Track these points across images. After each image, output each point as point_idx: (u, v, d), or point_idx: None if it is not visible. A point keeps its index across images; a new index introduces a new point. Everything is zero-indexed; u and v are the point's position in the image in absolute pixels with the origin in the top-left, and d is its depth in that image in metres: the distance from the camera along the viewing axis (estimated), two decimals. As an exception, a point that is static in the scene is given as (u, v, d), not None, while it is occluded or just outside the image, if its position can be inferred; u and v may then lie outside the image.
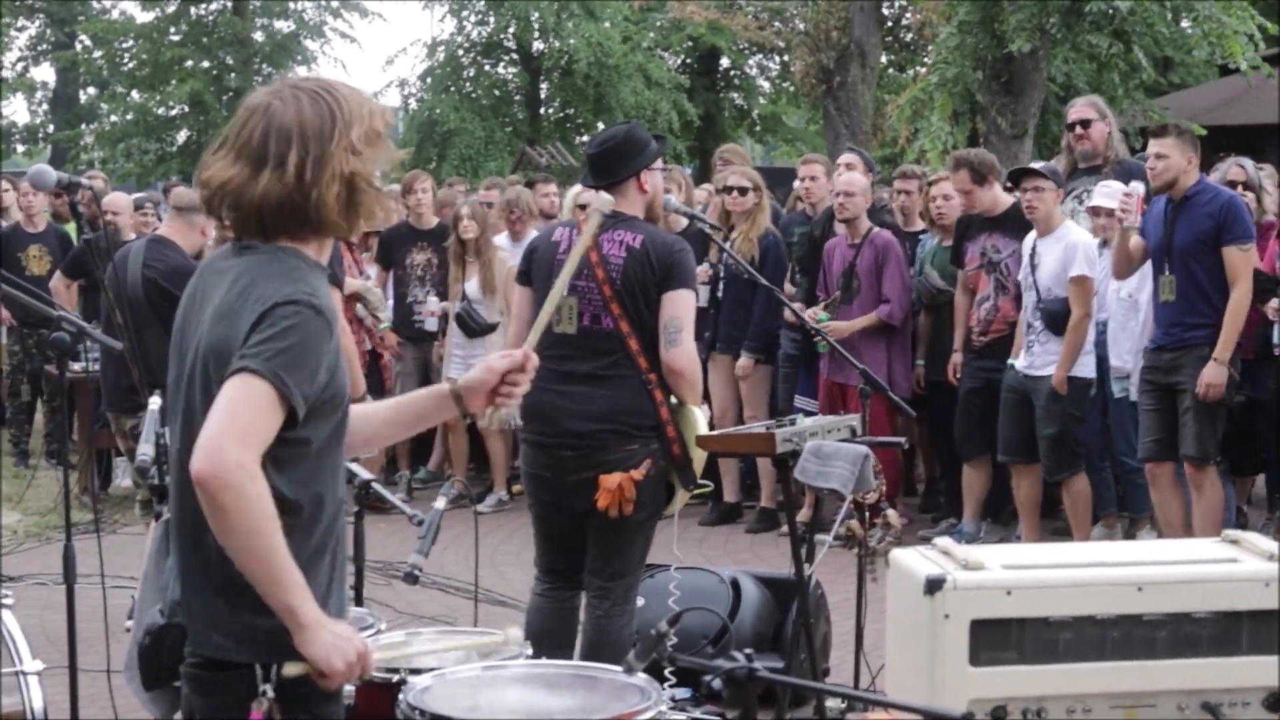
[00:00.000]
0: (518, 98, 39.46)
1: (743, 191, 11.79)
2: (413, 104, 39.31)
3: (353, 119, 3.93)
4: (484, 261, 12.55)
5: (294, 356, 3.72)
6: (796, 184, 13.13)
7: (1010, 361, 10.66)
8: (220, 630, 3.86)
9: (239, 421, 3.67)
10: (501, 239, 13.28)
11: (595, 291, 6.88)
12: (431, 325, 13.03)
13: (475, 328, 12.56)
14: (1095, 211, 10.65)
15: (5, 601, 5.85)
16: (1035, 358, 10.43)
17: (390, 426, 4.42)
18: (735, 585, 8.09)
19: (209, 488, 3.66)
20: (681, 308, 6.84)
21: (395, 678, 4.89)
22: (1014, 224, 10.99)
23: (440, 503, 5.02)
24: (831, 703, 7.12)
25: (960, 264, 11.38)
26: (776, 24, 29.96)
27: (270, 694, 3.82)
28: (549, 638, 6.84)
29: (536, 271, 7.15)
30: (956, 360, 11.37)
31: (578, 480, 6.82)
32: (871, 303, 11.39)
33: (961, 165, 11.24)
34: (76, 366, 11.43)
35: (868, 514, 6.88)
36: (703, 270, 11.49)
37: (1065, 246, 10.31)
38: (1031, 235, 10.54)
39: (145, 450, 5.77)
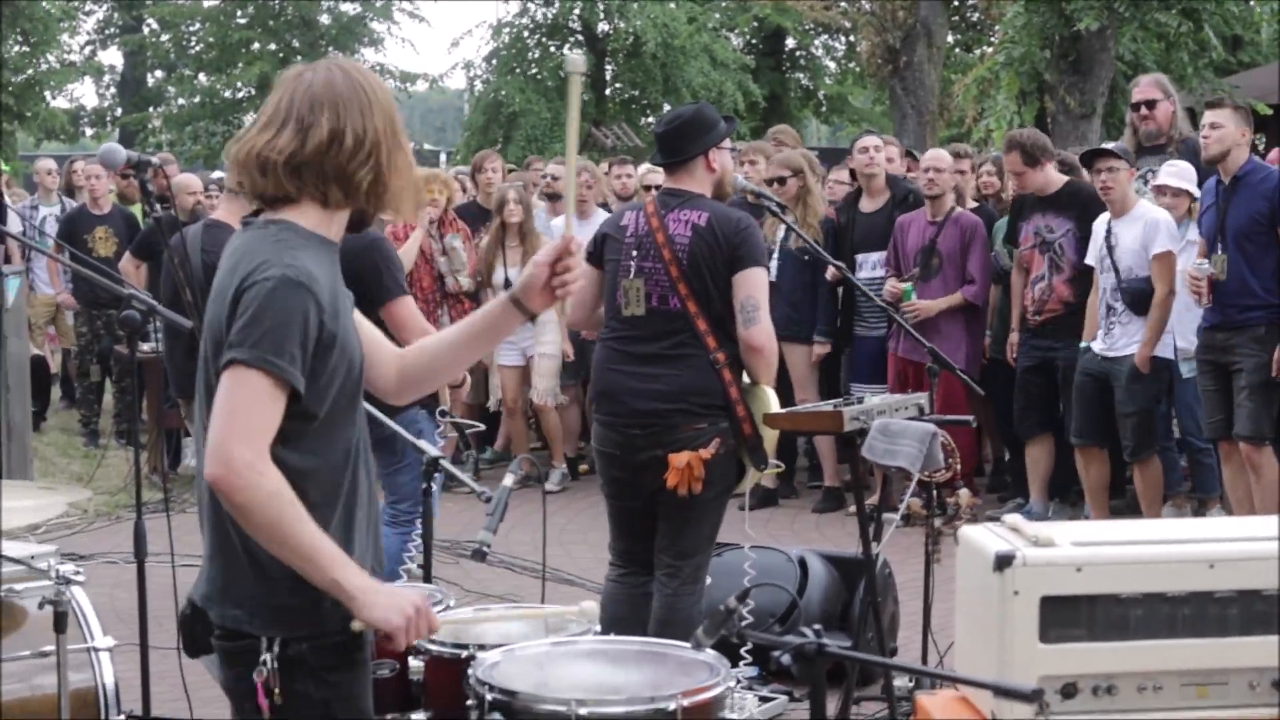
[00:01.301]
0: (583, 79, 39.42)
1: (781, 181, 11.73)
2: (478, 86, 39.36)
3: (388, 105, 3.99)
4: (527, 248, 12.53)
5: (277, 335, 3.72)
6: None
7: (1085, 344, 10.61)
8: (233, 602, 3.92)
9: (239, 419, 3.71)
10: (555, 221, 13.25)
11: (662, 272, 6.89)
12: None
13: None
14: (1161, 190, 10.59)
15: (77, 579, 5.87)
16: (1116, 339, 10.40)
17: (464, 350, 4.34)
18: (803, 564, 8.09)
19: (223, 492, 3.72)
20: (755, 285, 6.83)
21: (464, 653, 4.91)
22: (1067, 204, 11.00)
23: (508, 480, 5.02)
24: (899, 681, 7.11)
25: (1016, 243, 11.33)
26: (842, 4, 29.81)
27: (270, 664, 3.87)
28: (623, 623, 6.85)
29: (607, 256, 7.15)
30: (1013, 340, 11.35)
31: (647, 459, 6.83)
32: (952, 281, 11.34)
33: (1014, 147, 11.18)
34: (146, 347, 11.49)
35: (938, 493, 6.85)
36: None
37: (1145, 225, 10.27)
38: (1104, 216, 10.49)
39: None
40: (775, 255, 11.79)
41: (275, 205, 3.96)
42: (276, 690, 3.88)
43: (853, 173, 12.47)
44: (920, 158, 12.30)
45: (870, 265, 11.77)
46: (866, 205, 12.01)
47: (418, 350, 4.32)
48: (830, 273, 11.48)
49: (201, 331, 4.07)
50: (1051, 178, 11.17)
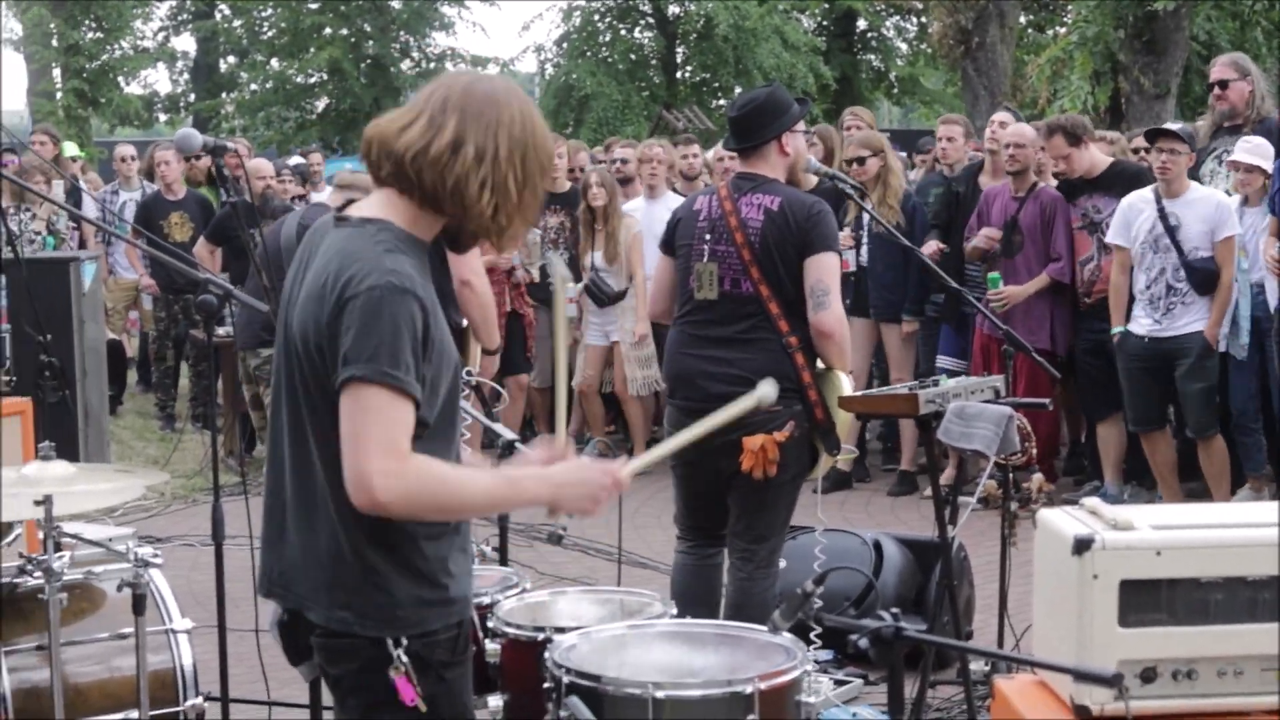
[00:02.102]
0: (654, 62, 39.41)
1: (860, 161, 11.68)
2: (549, 69, 39.39)
3: (523, 136, 3.92)
4: (609, 231, 12.53)
5: (391, 347, 3.69)
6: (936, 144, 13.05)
7: (1124, 329, 10.53)
8: (338, 605, 3.90)
9: (369, 439, 3.69)
10: (637, 202, 13.25)
11: (734, 256, 6.88)
12: (571, 312, 12.99)
13: (603, 297, 12.56)
14: (1235, 166, 10.51)
15: (155, 561, 5.91)
16: (1177, 319, 10.32)
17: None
18: (878, 547, 8.08)
19: (381, 513, 3.73)
20: (826, 270, 6.81)
21: (541, 636, 4.92)
22: (1114, 183, 10.98)
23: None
24: (974, 664, 7.09)
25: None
26: (914, -16, 29.74)
27: (404, 659, 3.87)
28: (692, 595, 6.87)
29: (679, 240, 7.15)
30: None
31: (722, 443, 6.80)
32: (1035, 258, 11.27)
33: (1055, 131, 11.12)
34: (221, 331, 11.56)
35: (1013, 476, 6.82)
36: (845, 235, 11.45)
37: (1214, 207, 10.19)
38: (1145, 195, 10.42)
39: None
40: (865, 240, 11.77)
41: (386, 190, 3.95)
42: (418, 683, 3.89)
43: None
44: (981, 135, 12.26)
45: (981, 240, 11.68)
46: (986, 180, 11.94)
47: None
48: (929, 249, 11.37)
49: (277, 315, 4.06)
50: (1097, 158, 11.15)
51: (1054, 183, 11.79)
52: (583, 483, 3.92)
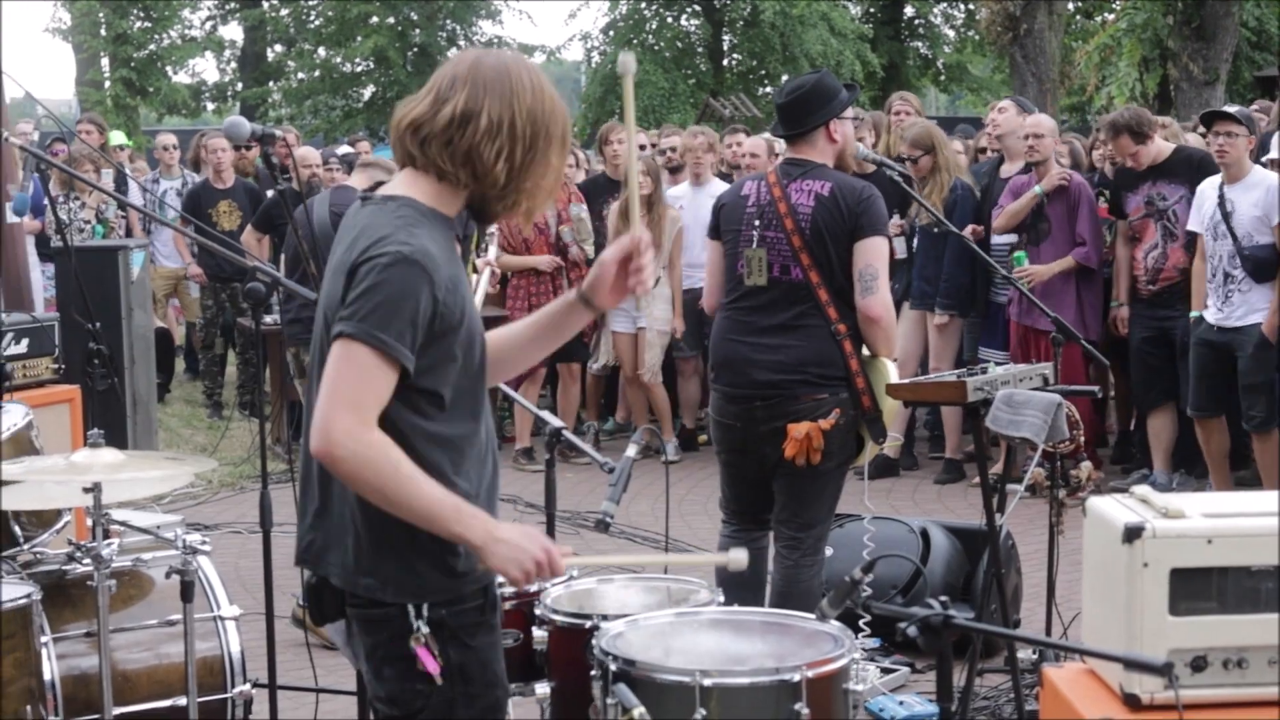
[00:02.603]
0: (700, 49, 39.37)
1: (913, 161, 11.63)
2: (595, 57, 39.36)
3: (538, 107, 3.95)
4: (653, 218, 12.50)
5: (386, 312, 3.74)
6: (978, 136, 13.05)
7: (1196, 314, 10.47)
8: (363, 573, 3.95)
9: (343, 392, 3.76)
10: (682, 188, 13.23)
11: (784, 242, 6.86)
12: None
13: None
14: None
15: (203, 549, 5.94)
16: (1235, 308, 10.24)
17: (532, 345, 4.40)
18: (925, 535, 8.06)
19: (328, 464, 3.79)
20: (875, 255, 6.79)
21: (588, 623, 4.91)
22: (1179, 170, 10.93)
23: (631, 450, 5.02)
24: (1022, 653, 7.06)
25: (1122, 214, 11.22)
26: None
27: (424, 629, 3.91)
28: (738, 579, 6.87)
29: (725, 226, 7.14)
30: (1123, 314, 11.26)
31: (767, 430, 6.81)
32: (1061, 245, 11.23)
33: (1120, 131, 11.06)
34: (269, 319, 11.60)
35: (1062, 464, 6.78)
36: (896, 223, 11.43)
37: (1265, 191, 10.10)
38: (1211, 181, 10.36)
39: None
40: (918, 231, 11.75)
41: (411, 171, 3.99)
42: (438, 651, 3.93)
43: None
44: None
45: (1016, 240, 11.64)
46: (1007, 171, 11.90)
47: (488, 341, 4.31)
48: (966, 230, 11.33)
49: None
50: (1162, 146, 11.09)
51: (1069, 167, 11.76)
52: (518, 548, 3.88)
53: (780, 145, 9.61)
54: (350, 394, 3.75)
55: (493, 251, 10.25)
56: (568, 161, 4.15)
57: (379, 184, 4.09)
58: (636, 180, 4.63)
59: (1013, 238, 11.49)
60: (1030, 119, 11.62)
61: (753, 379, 6.89)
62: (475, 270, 9.72)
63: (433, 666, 3.92)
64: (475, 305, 4.02)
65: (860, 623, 6.74)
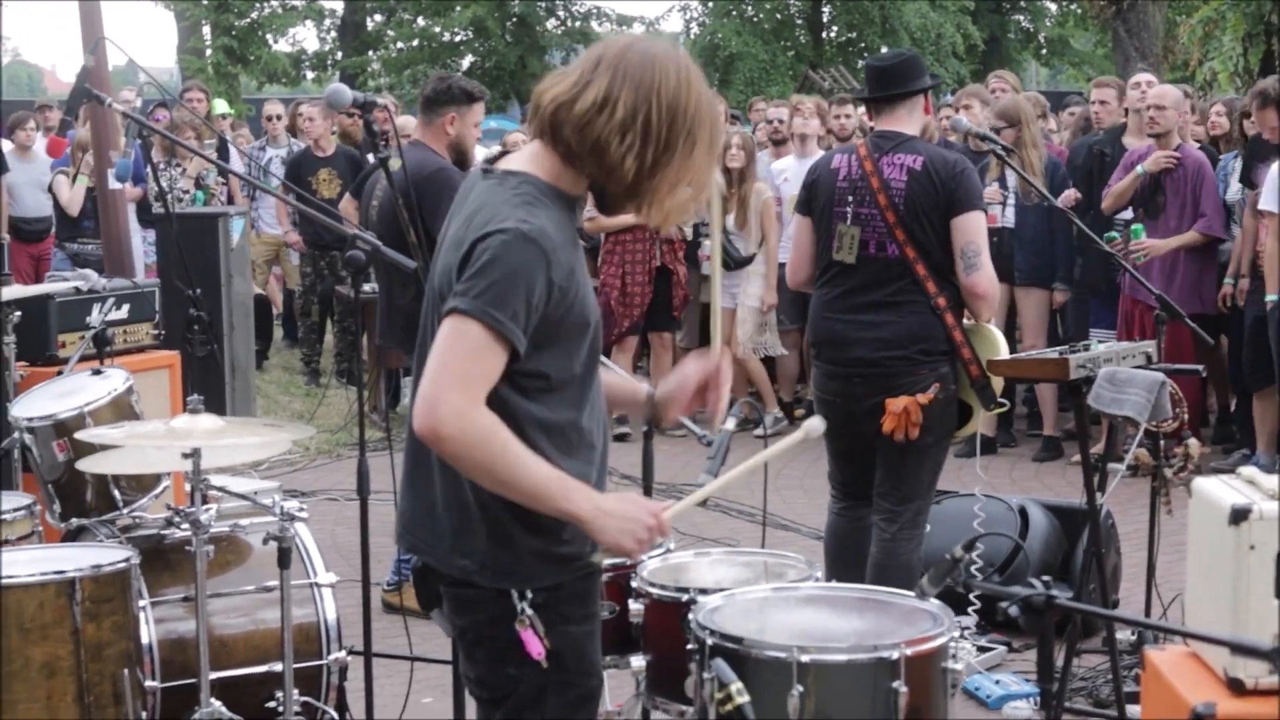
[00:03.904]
0: (800, 21, 39.24)
1: (996, 132, 11.52)
2: (694, 29, 39.29)
3: (683, 105, 3.83)
4: (741, 195, 12.46)
5: (501, 290, 3.68)
6: (1074, 109, 12.92)
7: (1273, 297, 10.31)
8: (460, 554, 3.93)
9: (452, 368, 3.70)
10: (787, 161, 13.16)
11: (879, 218, 6.82)
12: (708, 269, 12.95)
13: (731, 261, 12.47)
14: None
15: (301, 515, 5.96)
16: None
17: None
18: (1023, 513, 8.00)
19: (431, 442, 3.74)
20: (975, 230, 6.75)
21: (685, 597, 4.89)
22: None
23: (730, 423, 4.97)
24: (1121, 634, 6.99)
25: (1253, 184, 11.05)
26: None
27: (529, 611, 3.88)
28: (846, 556, 6.87)
29: (815, 199, 7.09)
30: (1243, 286, 11.09)
31: (868, 405, 6.79)
32: (1180, 219, 11.09)
33: (1269, 103, 10.84)
34: (367, 287, 11.62)
35: (1165, 443, 6.71)
36: (993, 191, 11.34)
37: None
38: None
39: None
40: (1012, 201, 11.63)
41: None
42: (543, 633, 3.90)
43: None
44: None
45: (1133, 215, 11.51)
46: (1131, 142, 11.76)
47: None
48: (1065, 196, 11.21)
49: (427, 275, 4.08)
50: None
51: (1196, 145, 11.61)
52: (627, 518, 3.86)
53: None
54: (460, 371, 3.69)
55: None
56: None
57: (502, 154, 4.05)
58: (719, 308, 4.64)
59: (1129, 213, 11.36)
60: (1154, 91, 11.48)
61: (852, 356, 6.87)
62: None
63: (537, 649, 3.89)
64: (590, 288, 3.96)
65: (971, 600, 6.70)
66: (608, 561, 4.93)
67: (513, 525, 3.85)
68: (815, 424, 4.44)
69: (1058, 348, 6.80)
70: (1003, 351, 6.85)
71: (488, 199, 3.84)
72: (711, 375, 4.22)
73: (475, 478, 3.78)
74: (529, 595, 3.88)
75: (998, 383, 6.83)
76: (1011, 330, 12.00)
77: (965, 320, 6.83)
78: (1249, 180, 11.10)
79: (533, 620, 3.88)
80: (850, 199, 6.90)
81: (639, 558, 3.93)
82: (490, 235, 3.71)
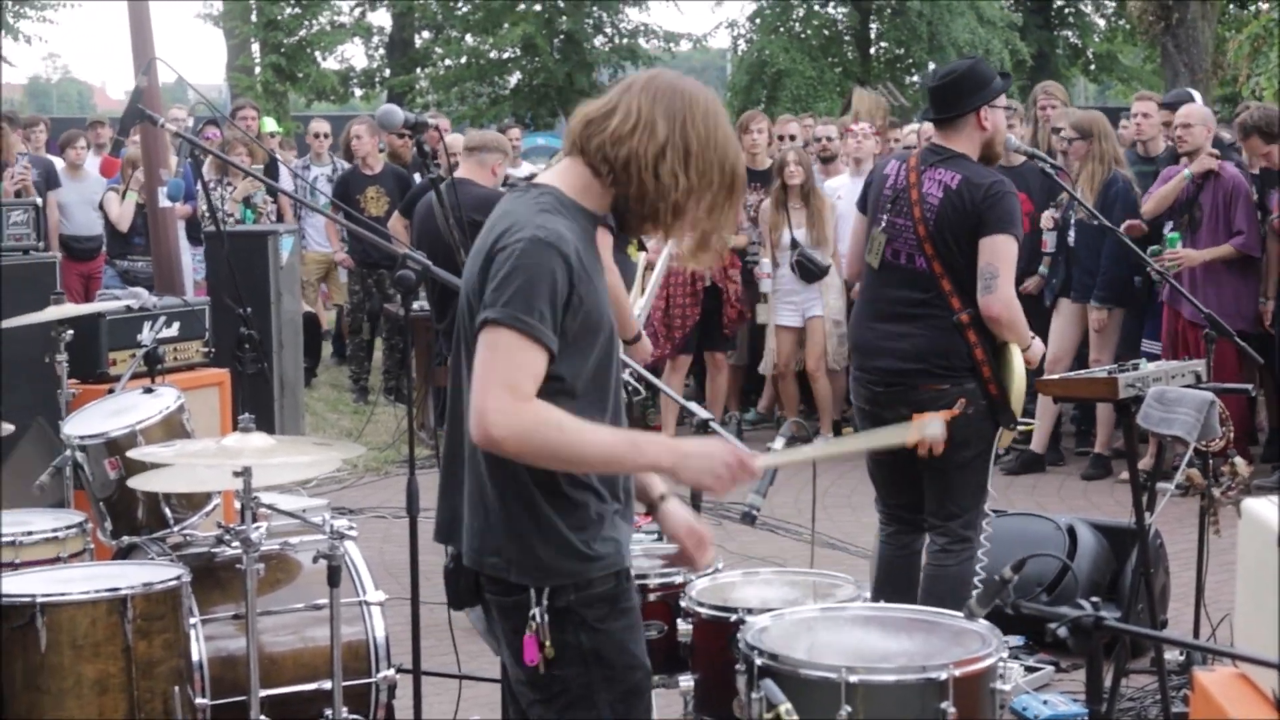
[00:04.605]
0: (847, 37, 39.18)
1: (1068, 141, 11.52)
2: (742, 45, 39.27)
3: (708, 137, 3.97)
4: (812, 210, 12.47)
5: (526, 293, 3.79)
6: (1125, 123, 12.89)
7: None
8: (491, 551, 4.00)
9: (492, 376, 3.79)
10: (841, 179, 13.17)
11: (910, 230, 6.87)
12: (766, 287, 12.96)
13: (815, 270, 12.48)
14: None
15: (350, 534, 5.98)
16: None
17: None
18: (1071, 532, 7.98)
19: (493, 449, 3.82)
20: (997, 253, 6.74)
21: (733, 617, 4.90)
22: None
23: (779, 443, 4.99)
24: (1170, 655, 6.97)
25: (1266, 211, 11.07)
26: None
27: (539, 618, 3.94)
28: (895, 584, 6.86)
29: (870, 203, 7.15)
30: (1268, 309, 11.10)
31: (894, 417, 6.78)
32: (1216, 234, 11.08)
33: (1250, 132, 11.11)
34: (416, 305, 11.67)
35: (1212, 462, 6.70)
36: (1049, 215, 11.36)
37: None
38: None
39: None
40: (1072, 221, 11.62)
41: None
42: (548, 643, 3.95)
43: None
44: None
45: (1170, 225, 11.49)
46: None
47: None
48: (1127, 225, 11.20)
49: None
50: None
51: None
52: (709, 456, 3.93)
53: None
54: (500, 377, 3.78)
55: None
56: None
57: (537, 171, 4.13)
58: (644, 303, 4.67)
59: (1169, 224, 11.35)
60: (1181, 110, 11.48)
61: (877, 365, 6.95)
62: (642, 249, 9.73)
63: (531, 657, 3.96)
64: (606, 297, 4.03)
65: (1020, 618, 6.69)
66: (656, 581, 4.97)
67: (536, 524, 3.94)
68: (936, 430, 4.46)
69: (1106, 367, 6.79)
70: (1018, 372, 6.84)
71: (509, 209, 3.99)
72: (696, 543, 4.29)
73: (545, 465, 3.86)
74: (546, 600, 3.94)
75: (1016, 402, 6.83)
76: (1083, 350, 11.98)
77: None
78: (1262, 205, 11.13)
79: (539, 628, 3.94)
80: (889, 206, 6.95)
81: (725, 490, 3.94)
82: (508, 245, 3.84)
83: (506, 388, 3.77)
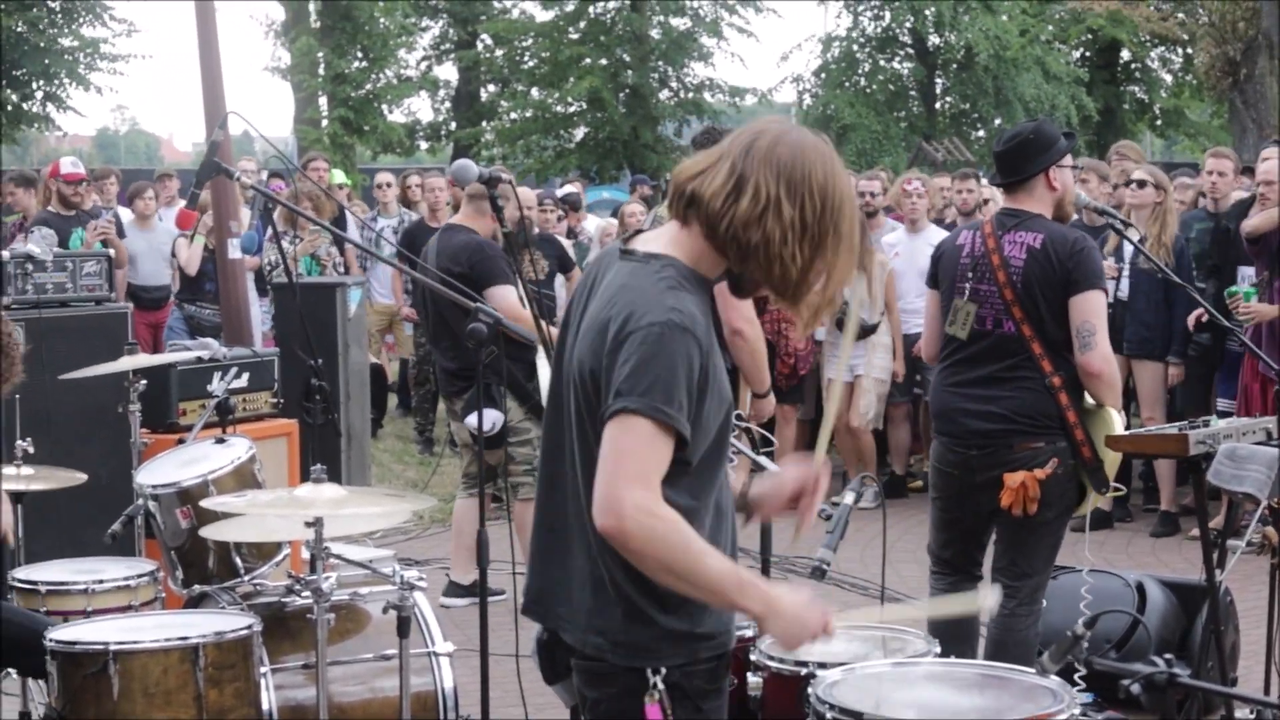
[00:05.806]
0: (913, 92, 39.24)
1: (1141, 184, 11.52)
2: (807, 100, 39.37)
3: (829, 197, 3.84)
4: (864, 263, 12.46)
5: (666, 384, 3.69)
6: (1198, 180, 12.84)
7: None
8: (595, 631, 3.92)
9: (627, 466, 3.70)
10: (898, 234, 13.19)
11: (996, 295, 6.84)
12: (821, 335, 12.95)
13: (863, 328, 12.47)
14: None
15: (419, 584, 6.01)
16: None
17: None
18: (1140, 589, 7.94)
19: (616, 540, 3.72)
20: (1092, 310, 6.73)
21: (804, 671, 4.90)
22: None
23: (849, 497, 4.98)
24: (1240, 713, 6.92)
25: None
26: (1180, 15, 29.21)
27: (661, 686, 3.87)
28: (945, 631, 6.82)
29: (942, 275, 7.14)
30: None
31: (984, 479, 6.78)
32: None
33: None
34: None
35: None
36: (1110, 266, 11.31)
37: None
38: None
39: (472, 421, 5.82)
40: (1127, 273, 11.59)
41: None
42: (671, 711, 3.89)
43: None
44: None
45: (1248, 278, 11.43)
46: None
47: None
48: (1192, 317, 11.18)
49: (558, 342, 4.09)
50: None
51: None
52: (797, 621, 3.90)
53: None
54: (637, 469, 3.70)
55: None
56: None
57: (637, 233, 4.04)
58: (832, 414, 4.67)
59: (1252, 274, 11.27)
60: (1263, 166, 11.42)
61: (968, 428, 6.88)
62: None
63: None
64: (724, 368, 3.98)
65: (1076, 676, 6.65)
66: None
67: (648, 606, 3.85)
68: (992, 601, 4.48)
69: (1177, 424, 6.76)
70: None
71: (631, 283, 3.83)
72: (808, 483, 4.22)
73: (653, 573, 3.77)
74: (663, 671, 3.88)
75: (1110, 467, 6.81)
76: (1128, 404, 11.92)
77: (1087, 402, 6.80)
78: None
79: (663, 696, 3.88)
80: (971, 275, 6.93)
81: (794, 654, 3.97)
82: (642, 329, 3.72)
83: (644, 481, 3.69)
